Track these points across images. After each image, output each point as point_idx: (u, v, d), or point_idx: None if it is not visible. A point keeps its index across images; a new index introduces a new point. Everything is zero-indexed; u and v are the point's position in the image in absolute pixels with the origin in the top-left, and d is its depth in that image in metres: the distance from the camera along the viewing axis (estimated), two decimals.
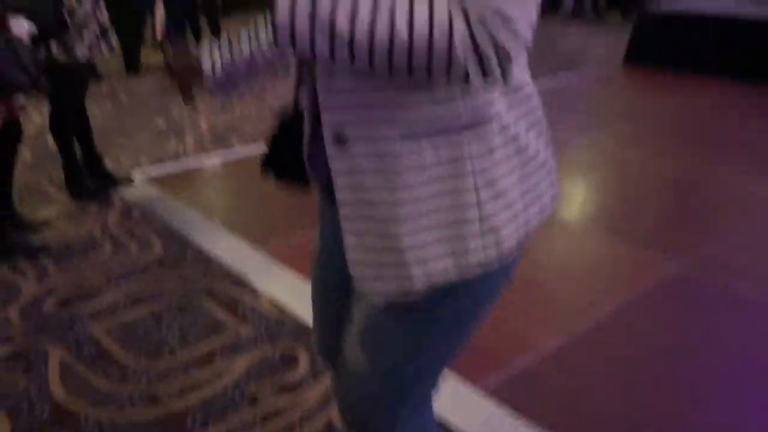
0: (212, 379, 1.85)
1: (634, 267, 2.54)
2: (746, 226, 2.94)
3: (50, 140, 3.59)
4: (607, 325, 2.14)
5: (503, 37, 0.65)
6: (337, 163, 0.81)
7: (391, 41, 0.67)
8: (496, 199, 0.81)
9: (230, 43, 1.05)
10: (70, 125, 3.20)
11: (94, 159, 3.35)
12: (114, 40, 3.12)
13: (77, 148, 3.28)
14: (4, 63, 2.21)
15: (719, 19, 5.77)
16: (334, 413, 1.69)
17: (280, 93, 5.28)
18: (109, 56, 3.27)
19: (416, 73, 0.69)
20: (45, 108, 3.60)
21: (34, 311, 2.21)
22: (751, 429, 1.68)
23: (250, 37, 1.04)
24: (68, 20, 2.88)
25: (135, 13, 6.02)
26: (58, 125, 3.18)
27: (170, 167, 3.69)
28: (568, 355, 1.96)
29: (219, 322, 2.14)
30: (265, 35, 1.01)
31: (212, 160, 3.81)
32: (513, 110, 0.83)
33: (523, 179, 0.85)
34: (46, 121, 3.37)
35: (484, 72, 0.67)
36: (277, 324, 2.11)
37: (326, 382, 1.81)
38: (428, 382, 0.97)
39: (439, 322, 0.89)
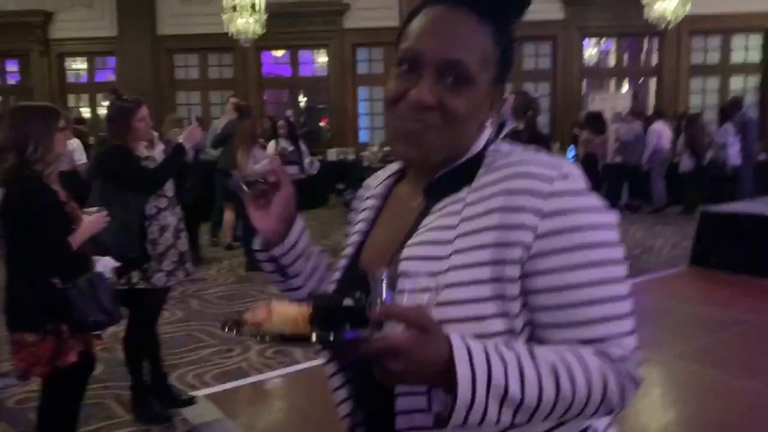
0: None
1: None
2: None
3: (120, 353, 3.68)
4: None
5: (639, 373, 0.85)
6: None
7: (555, 403, 0.79)
8: None
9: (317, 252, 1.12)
10: (142, 345, 3.29)
11: (160, 378, 3.39)
12: (190, 266, 3.29)
13: (146, 365, 3.35)
14: (85, 305, 2.33)
15: None
16: None
17: None
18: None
19: (568, 419, 0.83)
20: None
21: None
22: None
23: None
24: (150, 250, 3.08)
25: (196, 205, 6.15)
26: (130, 345, 3.27)
27: (233, 383, 3.68)
28: None
29: None
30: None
31: (275, 377, 3.79)
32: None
33: None
34: (118, 331, 3.46)
35: (624, 403, 0.84)
36: None
37: None
38: None
39: None
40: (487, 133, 0.95)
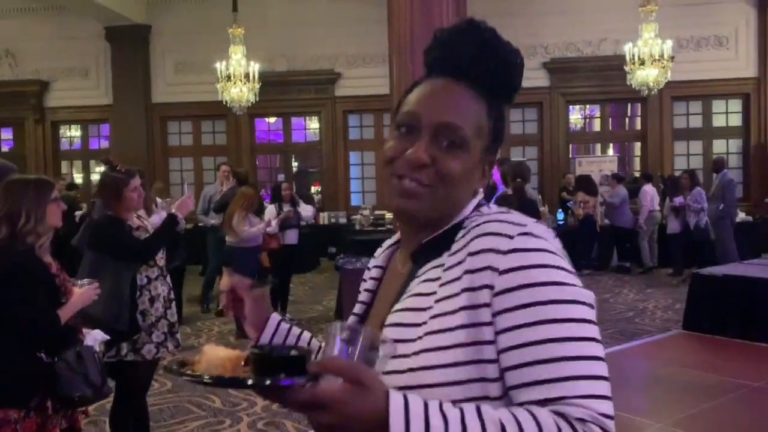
0: None
1: None
2: None
3: (106, 427, 3.58)
4: None
5: (604, 412, 0.81)
6: None
7: None
8: None
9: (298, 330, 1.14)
10: (130, 419, 3.21)
11: None
12: (180, 336, 3.25)
13: None
14: (72, 379, 2.29)
15: None
16: None
17: None
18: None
19: None
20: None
21: None
22: None
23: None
24: (140, 321, 3.05)
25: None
26: (118, 419, 3.19)
27: None
28: None
29: None
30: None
31: None
32: None
33: None
34: (105, 403, 3.38)
35: None
36: None
37: None
38: None
39: None
40: (476, 200, 0.98)
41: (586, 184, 9.99)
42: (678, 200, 9.26)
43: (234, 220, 6.19)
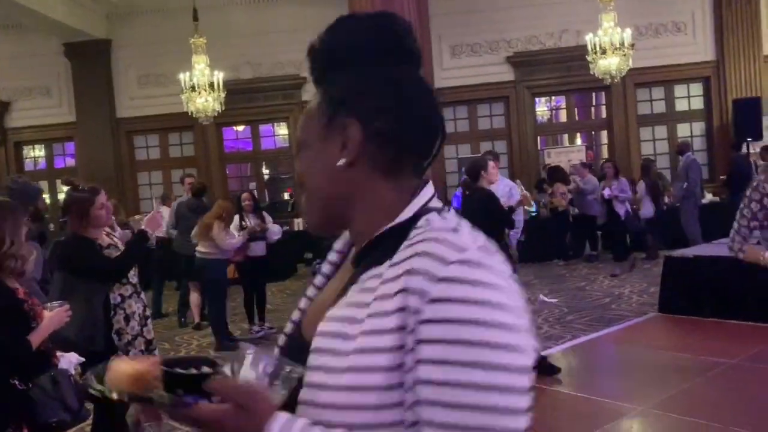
0: None
1: None
2: None
3: None
4: None
5: None
6: None
7: None
8: None
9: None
10: None
11: None
12: (158, 352, 3.21)
13: None
14: (48, 405, 2.25)
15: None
16: None
17: None
18: None
19: None
20: None
21: None
22: None
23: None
24: (116, 341, 3.00)
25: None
26: None
27: None
28: None
29: None
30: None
31: None
32: None
33: None
34: (85, 426, 3.33)
35: None
36: None
37: None
38: None
39: None
40: (417, 202, 0.89)
41: (561, 174, 10.12)
42: (606, 192, 9.32)
43: (214, 230, 6.13)
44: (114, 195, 8.02)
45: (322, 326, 0.85)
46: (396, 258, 0.83)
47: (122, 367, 0.83)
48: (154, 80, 11.76)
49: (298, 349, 0.89)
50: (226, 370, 0.82)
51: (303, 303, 1.04)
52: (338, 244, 1.05)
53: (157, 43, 11.41)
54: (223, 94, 9.93)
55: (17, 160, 12.61)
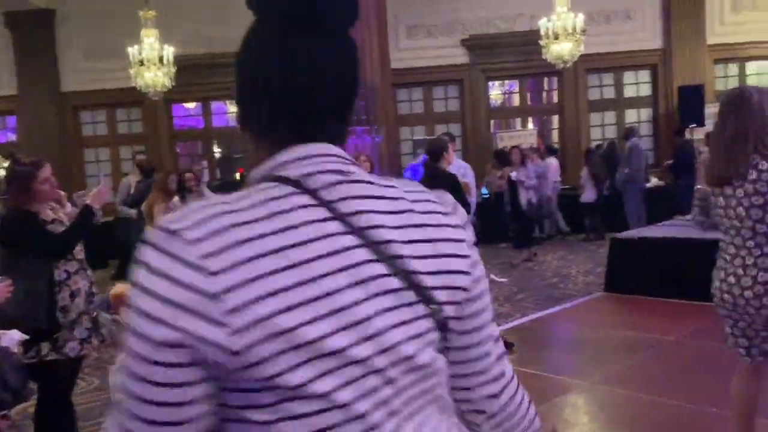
0: None
1: None
2: None
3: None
4: None
5: None
6: None
7: None
8: None
9: None
10: (56, 421, 3.08)
11: None
12: (106, 331, 3.14)
13: None
14: None
15: (695, 242, 5.98)
16: None
17: None
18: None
19: None
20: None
21: None
22: None
23: None
24: (61, 318, 2.92)
25: None
26: (43, 422, 3.06)
27: None
28: None
29: None
30: None
31: None
32: None
33: None
34: (28, 406, 3.24)
35: None
36: None
37: None
38: None
39: None
40: (269, 163, 0.81)
41: (507, 157, 10.22)
42: (513, 174, 8.98)
43: (155, 209, 6.00)
44: (58, 171, 7.76)
45: None
46: None
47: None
48: (101, 53, 11.33)
49: None
50: None
51: None
52: None
53: (104, 14, 10.99)
54: (173, 70, 9.66)
55: None
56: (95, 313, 3.05)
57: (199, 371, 0.68)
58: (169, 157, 11.94)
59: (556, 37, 9.49)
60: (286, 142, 0.80)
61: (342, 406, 0.71)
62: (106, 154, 12.20)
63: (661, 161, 11.19)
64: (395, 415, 0.76)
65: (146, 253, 0.70)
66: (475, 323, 0.87)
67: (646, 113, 12.26)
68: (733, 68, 12.01)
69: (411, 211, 0.81)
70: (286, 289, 0.69)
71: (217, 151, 13.03)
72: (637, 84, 12.26)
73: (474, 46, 11.73)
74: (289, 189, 0.75)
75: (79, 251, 3.06)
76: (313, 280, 0.71)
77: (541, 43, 9.65)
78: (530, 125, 12.95)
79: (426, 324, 0.79)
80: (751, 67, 11.92)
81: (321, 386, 0.70)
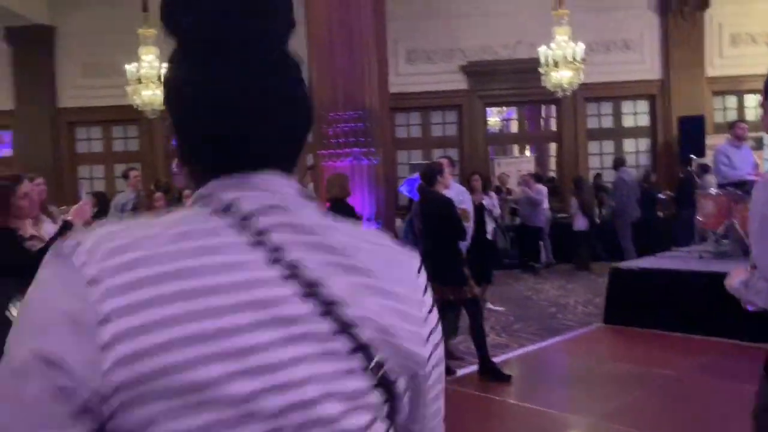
0: None
1: None
2: None
3: None
4: None
5: None
6: None
7: None
8: None
9: None
10: None
11: None
12: None
13: None
14: None
15: (695, 274, 5.85)
16: None
17: None
18: None
19: None
20: None
21: None
22: None
23: None
24: None
25: None
26: None
27: None
28: None
29: None
30: None
31: None
32: None
33: None
34: None
35: None
36: None
37: None
38: None
39: None
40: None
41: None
42: (486, 200, 8.39)
43: None
44: (51, 188, 7.64)
45: None
46: None
47: None
48: (99, 70, 11.30)
49: None
50: None
51: None
52: None
53: (103, 32, 10.98)
54: None
55: None
56: None
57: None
58: (166, 175, 11.84)
59: (556, 65, 9.48)
60: (219, 171, 0.71)
61: None
62: (100, 171, 12.10)
63: (659, 191, 11.12)
64: None
65: (40, 269, 0.64)
66: (431, 392, 0.71)
67: (644, 143, 12.24)
68: (731, 100, 12.03)
69: (356, 253, 0.68)
70: (174, 320, 0.57)
71: None
72: (636, 114, 12.26)
73: (473, 72, 11.72)
74: (208, 209, 0.66)
75: None
76: (214, 313, 0.59)
77: (541, 70, 9.63)
78: (527, 152, 12.91)
79: (361, 382, 0.64)
80: (750, 99, 11.93)
81: None
